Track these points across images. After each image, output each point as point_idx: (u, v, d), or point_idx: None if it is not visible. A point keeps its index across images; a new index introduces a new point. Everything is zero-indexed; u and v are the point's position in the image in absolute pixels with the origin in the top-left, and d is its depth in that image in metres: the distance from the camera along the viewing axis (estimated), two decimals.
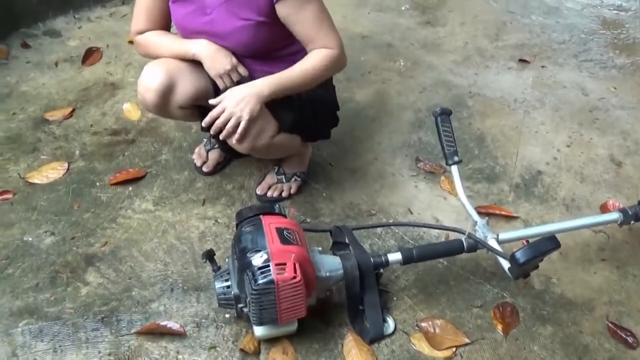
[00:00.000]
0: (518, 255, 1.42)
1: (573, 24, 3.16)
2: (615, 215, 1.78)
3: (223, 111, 1.63)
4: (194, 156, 2.18)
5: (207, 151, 2.13)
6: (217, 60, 1.74)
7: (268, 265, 1.43)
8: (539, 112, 2.50)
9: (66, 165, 2.17)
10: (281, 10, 1.63)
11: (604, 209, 2.03)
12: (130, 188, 2.08)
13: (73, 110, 2.44)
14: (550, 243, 1.42)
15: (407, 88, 2.64)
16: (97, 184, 2.10)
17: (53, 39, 2.89)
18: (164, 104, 1.78)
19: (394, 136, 2.36)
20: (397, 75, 2.72)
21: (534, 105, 2.54)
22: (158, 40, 1.82)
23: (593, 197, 2.08)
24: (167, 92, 1.75)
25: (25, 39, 2.85)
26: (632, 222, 1.78)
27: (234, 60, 1.75)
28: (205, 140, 2.17)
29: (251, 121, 1.63)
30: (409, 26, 3.12)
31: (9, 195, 2.04)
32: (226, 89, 1.78)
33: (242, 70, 1.77)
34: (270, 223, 1.53)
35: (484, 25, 3.14)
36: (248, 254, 1.46)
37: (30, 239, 1.90)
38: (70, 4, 3.05)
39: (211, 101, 1.66)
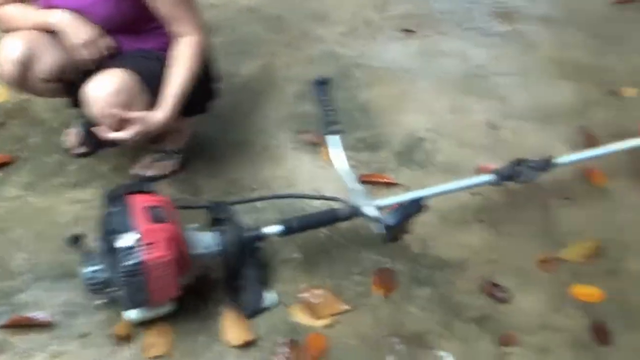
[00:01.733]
0: (387, 219, 1.44)
1: None
2: (489, 177, 1.84)
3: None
4: (65, 138, 2.07)
5: (79, 132, 2.02)
6: (77, 28, 1.68)
7: (136, 245, 1.37)
8: (422, 81, 2.54)
9: None
10: None
11: (481, 172, 2.08)
12: None
13: None
14: (414, 206, 1.44)
15: (294, 60, 2.62)
16: None
17: None
18: (24, 77, 1.70)
19: (279, 108, 2.33)
20: (284, 48, 2.69)
21: (418, 74, 2.58)
22: (15, 12, 1.73)
23: (471, 161, 2.14)
24: (27, 63, 1.67)
25: None
26: (506, 182, 1.84)
27: (96, 29, 1.68)
28: (79, 119, 2.06)
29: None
30: None
31: None
32: (91, 61, 1.71)
33: (106, 40, 1.70)
34: (138, 202, 1.47)
35: None
36: (115, 235, 1.40)
37: None
38: None
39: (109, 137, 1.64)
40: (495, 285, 1.72)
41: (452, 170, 2.10)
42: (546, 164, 1.82)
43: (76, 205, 1.86)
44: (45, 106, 2.21)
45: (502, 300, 1.68)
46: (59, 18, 1.67)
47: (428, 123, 2.30)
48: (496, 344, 1.58)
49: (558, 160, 1.85)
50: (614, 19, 3.06)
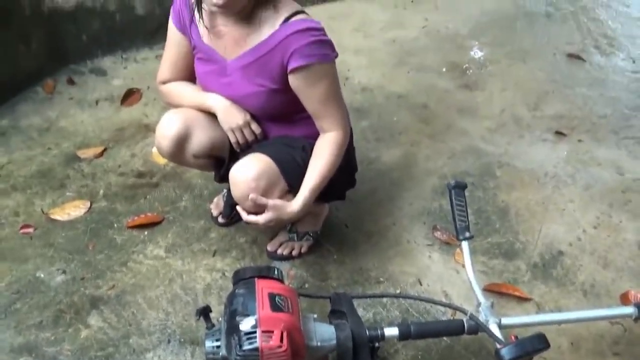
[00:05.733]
0: (503, 352, 1.36)
1: (617, 98, 3.06)
2: (630, 310, 1.68)
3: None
4: (212, 205, 2.21)
5: (223, 204, 2.14)
6: (230, 114, 1.80)
7: (255, 332, 1.41)
8: (568, 189, 2.42)
9: (88, 204, 2.23)
10: (293, 81, 1.67)
11: (624, 298, 1.93)
12: (146, 232, 2.12)
13: (104, 150, 2.52)
14: (538, 343, 1.35)
15: (436, 152, 2.61)
16: (115, 225, 2.15)
17: (98, 77, 3.01)
18: (178, 152, 1.84)
19: (415, 202, 2.32)
20: (427, 139, 2.70)
21: (565, 181, 2.46)
22: (179, 90, 1.90)
23: (614, 285, 1.99)
24: (182, 140, 1.81)
25: (72, 75, 2.97)
26: None
27: (248, 116, 1.80)
28: (225, 190, 2.19)
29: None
30: (447, 88, 3.10)
31: (30, 230, 2.11)
32: (238, 143, 1.82)
33: (255, 127, 1.82)
34: (263, 287, 1.51)
35: (525, 92, 3.08)
36: (237, 318, 1.44)
37: (42, 275, 1.95)
38: (120, 45, 3.16)
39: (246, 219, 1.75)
40: None
41: (593, 293, 1.95)
42: None
43: (212, 273, 1.96)
44: (199, 173, 2.37)
45: None
46: (216, 102, 1.81)
47: (571, 236, 2.18)
48: None
49: None
50: None
